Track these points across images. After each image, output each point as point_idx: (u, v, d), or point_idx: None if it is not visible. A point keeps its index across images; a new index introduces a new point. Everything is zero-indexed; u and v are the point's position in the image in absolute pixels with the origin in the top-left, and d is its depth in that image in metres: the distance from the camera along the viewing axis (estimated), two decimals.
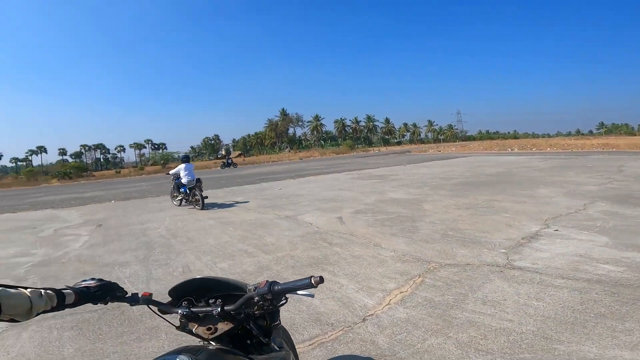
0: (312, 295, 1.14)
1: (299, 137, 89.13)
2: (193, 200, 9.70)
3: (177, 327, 1.17)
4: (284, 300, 1.15)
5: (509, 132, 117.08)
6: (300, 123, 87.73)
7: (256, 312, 1.13)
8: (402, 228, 5.68)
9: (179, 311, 1.13)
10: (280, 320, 1.30)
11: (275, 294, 1.05)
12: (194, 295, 1.22)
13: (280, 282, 1.08)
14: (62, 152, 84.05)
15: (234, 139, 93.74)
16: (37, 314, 0.94)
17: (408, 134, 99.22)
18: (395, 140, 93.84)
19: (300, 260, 4.39)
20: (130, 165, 72.56)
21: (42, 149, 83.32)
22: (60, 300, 0.99)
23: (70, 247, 5.90)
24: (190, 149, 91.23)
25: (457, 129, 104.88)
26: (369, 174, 15.83)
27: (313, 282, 1.01)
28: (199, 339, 1.16)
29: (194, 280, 1.24)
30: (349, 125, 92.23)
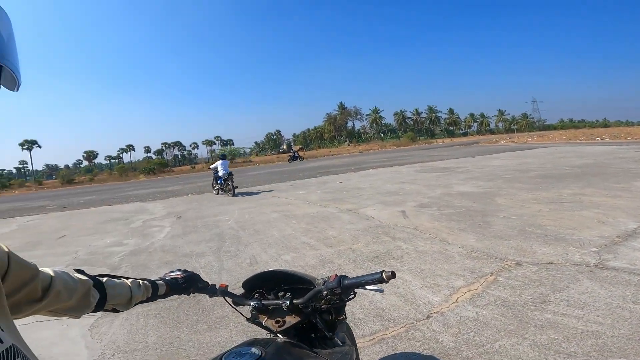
0: (381, 291, 1.10)
1: (358, 130, 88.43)
2: (226, 188, 12.06)
3: (248, 319, 1.21)
4: (353, 295, 1.14)
5: (597, 120, 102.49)
6: (358, 116, 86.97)
7: (323, 306, 1.13)
8: (472, 223, 5.33)
9: (251, 303, 1.16)
10: (345, 315, 1.29)
11: (344, 289, 1.03)
12: (265, 288, 1.25)
13: (350, 276, 1.06)
14: (147, 149, 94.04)
15: (294, 134, 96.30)
16: (135, 304, 1.00)
17: (475, 124, 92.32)
18: (461, 132, 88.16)
19: (362, 254, 4.37)
20: (202, 161, 78.88)
21: (130, 147, 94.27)
22: (154, 291, 1.06)
23: (155, 238, 6.57)
24: (254, 144, 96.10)
25: (532, 118, 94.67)
26: (433, 167, 15.13)
27: (384, 276, 0.97)
28: (267, 332, 1.19)
29: (266, 273, 1.27)
30: (409, 117, 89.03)
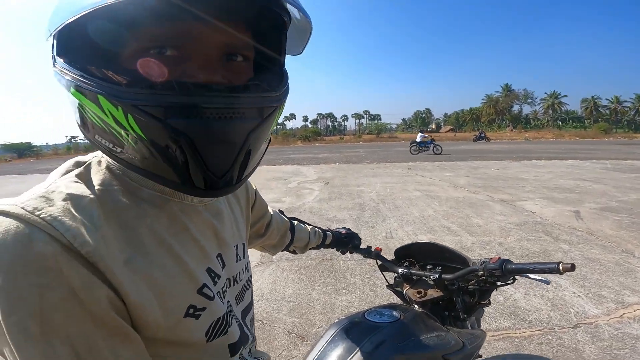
0: (547, 282, 0.99)
1: (527, 115, 75.02)
2: (424, 149, 19.21)
3: (388, 285, 1.24)
4: (511, 281, 1.04)
5: None
6: (529, 100, 73.53)
7: (470, 287, 1.09)
8: None
9: (400, 270, 1.18)
10: (489, 301, 1.21)
11: (506, 272, 0.95)
12: (416, 258, 1.26)
13: (514, 261, 0.98)
14: (305, 118, 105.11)
15: (445, 114, 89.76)
16: (308, 249, 1.08)
17: None
18: None
19: (511, 249, 3.89)
20: (350, 133, 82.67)
21: (292, 116, 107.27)
22: (323, 240, 1.13)
23: (306, 199, 7.41)
24: (401, 121, 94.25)
25: None
26: (631, 166, 11.69)
27: (561, 268, 0.82)
28: (402, 301, 1.21)
29: (421, 244, 1.29)
30: (604, 106, 69.88)
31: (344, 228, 1.30)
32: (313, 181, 10.03)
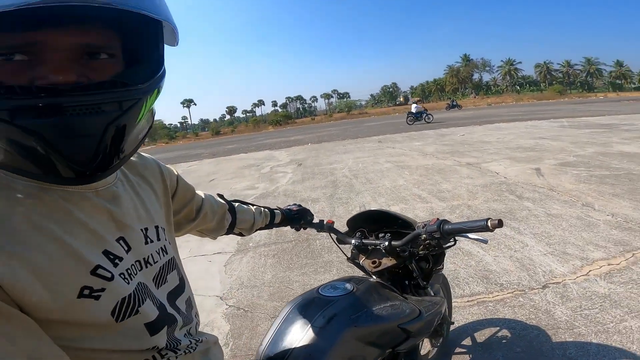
0: (485, 241, 1.01)
1: (487, 82, 77.27)
2: (420, 119, 19.30)
3: (348, 259, 1.25)
4: (452, 242, 1.08)
5: None
6: (487, 68, 75.75)
7: (420, 252, 1.10)
8: (633, 189, 4.29)
9: (353, 241, 1.19)
10: (443, 266, 1.24)
11: (444, 233, 0.97)
12: (367, 228, 1.26)
13: (452, 222, 1.00)
14: (274, 103, 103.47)
15: (411, 86, 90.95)
16: (255, 230, 1.11)
17: None
18: (633, 86, 67.68)
19: (478, 211, 4.05)
20: (321, 113, 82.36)
21: (261, 102, 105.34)
22: (271, 219, 1.15)
23: (280, 183, 7.36)
24: (370, 96, 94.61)
25: None
26: (586, 122, 12.37)
27: (489, 224, 0.88)
28: (363, 273, 1.22)
29: (370, 212, 1.28)
30: (556, 70, 73.26)
31: (295, 204, 1.29)
32: (286, 164, 9.96)
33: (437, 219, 1.01)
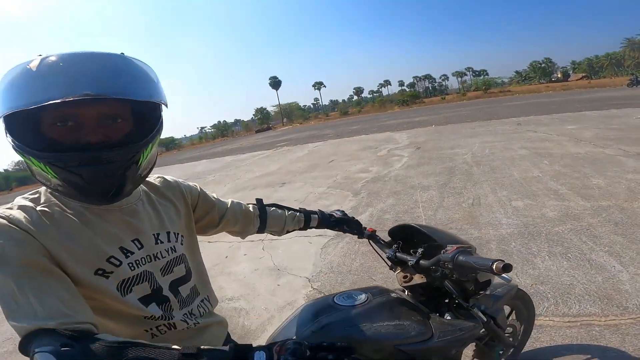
0: (508, 279, 0.88)
1: None
2: None
3: (390, 267, 1.21)
4: (474, 276, 0.96)
5: None
6: None
7: (453, 277, 0.99)
8: None
9: (387, 252, 1.16)
10: (489, 291, 1.10)
11: (456, 265, 0.87)
12: (406, 241, 1.20)
13: (474, 254, 0.88)
14: (401, 83, 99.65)
15: (573, 61, 73.34)
16: (287, 232, 1.25)
17: None
18: None
19: (634, 217, 3.10)
20: (453, 92, 75.43)
21: (387, 82, 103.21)
22: (306, 223, 1.27)
23: (393, 167, 7.17)
24: (514, 73, 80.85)
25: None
26: None
27: (494, 267, 0.76)
28: (399, 284, 1.16)
29: (406, 226, 1.21)
30: None
31: (339, 211, 1.33)
32: (404, 147, 9.64)
33: (459, 247, 0.91)
